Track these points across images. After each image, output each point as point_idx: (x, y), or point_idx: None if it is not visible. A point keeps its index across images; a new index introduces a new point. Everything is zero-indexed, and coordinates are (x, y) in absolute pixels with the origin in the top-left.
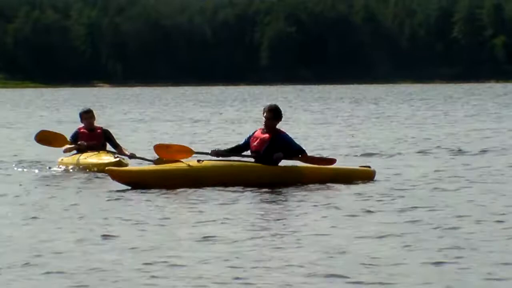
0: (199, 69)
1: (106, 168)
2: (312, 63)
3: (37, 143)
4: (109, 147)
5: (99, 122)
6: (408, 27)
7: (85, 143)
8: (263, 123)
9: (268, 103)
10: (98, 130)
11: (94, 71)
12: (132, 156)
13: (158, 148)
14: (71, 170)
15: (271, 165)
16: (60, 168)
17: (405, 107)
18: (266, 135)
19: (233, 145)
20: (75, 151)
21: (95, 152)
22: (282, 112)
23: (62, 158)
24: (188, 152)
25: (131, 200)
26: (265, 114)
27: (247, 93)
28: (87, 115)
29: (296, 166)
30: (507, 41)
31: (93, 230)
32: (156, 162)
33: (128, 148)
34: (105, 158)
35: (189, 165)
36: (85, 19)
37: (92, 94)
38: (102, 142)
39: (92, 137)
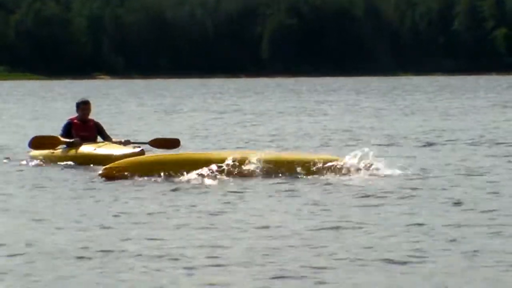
0: (200, 61)
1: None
2: (313, 55)
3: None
4: (99, 139)
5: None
6: (409, 20)
7: (79, 140)
8: None
9: None
10: (91, 123)
11: (96, 64)
12: (126, 143)
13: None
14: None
15: None
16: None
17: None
18: None
19: None
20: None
21: (105, 143)
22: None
23: (62, 150)
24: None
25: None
26: None
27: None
28: (85, 106)
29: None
30: (509, 34)
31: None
32: (151, 143)
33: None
34: (123, 149)
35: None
36: (87, 11)
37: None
38: (95, 134)
39: (86, 129)
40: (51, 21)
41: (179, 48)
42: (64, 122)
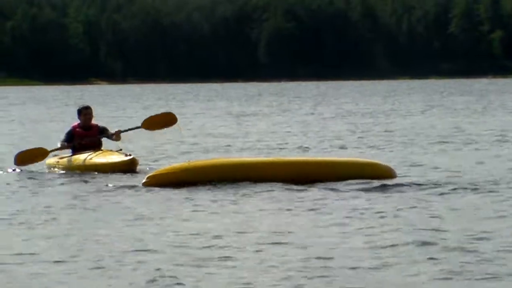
0: (197, 66)
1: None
2: (310, 59)
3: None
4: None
5: None
6: (406, 23)
7: (82, 141)
8: None
9: None
10: (94, 128)
11: (93, 69)
12: (118, 132)
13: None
14: (77, 171)
15: None
16: (58, 169)
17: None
18: None
19: None
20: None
21: (99, 151)
22: None
23: (58, 160)
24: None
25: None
26: None
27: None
28: (86, 111)
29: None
30: (505, 36)
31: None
32: (144, 126)
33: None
34: (115, 157)
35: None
36: (83, 16)
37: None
38: (98, 140)
39: (88, 135)
40: (47, 27)
41: (176, 52)
42: (67, 128)
